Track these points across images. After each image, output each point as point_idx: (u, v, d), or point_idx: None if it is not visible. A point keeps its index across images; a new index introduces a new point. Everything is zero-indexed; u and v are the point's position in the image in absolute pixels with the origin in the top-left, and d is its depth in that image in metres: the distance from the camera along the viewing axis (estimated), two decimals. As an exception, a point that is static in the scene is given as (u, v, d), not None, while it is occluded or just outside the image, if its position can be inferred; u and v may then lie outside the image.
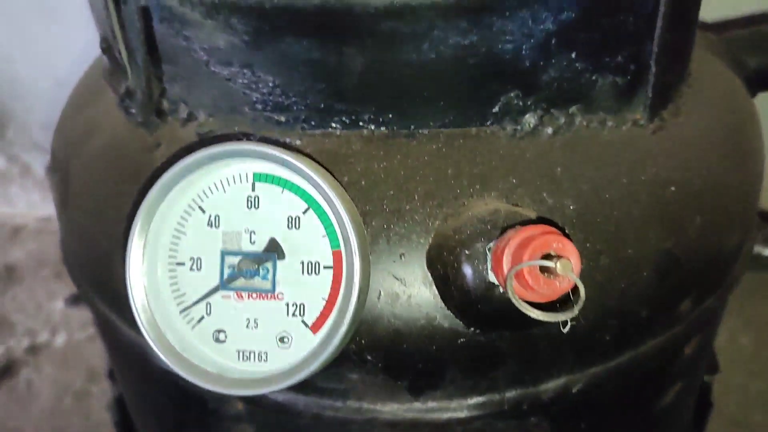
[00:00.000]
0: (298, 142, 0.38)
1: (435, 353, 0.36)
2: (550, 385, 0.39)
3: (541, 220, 0.34)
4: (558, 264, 0.28)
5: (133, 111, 0.43)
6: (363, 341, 0.36)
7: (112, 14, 0.39)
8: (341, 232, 0.32)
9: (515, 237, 0.29)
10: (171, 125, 0.41)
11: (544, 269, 0.28)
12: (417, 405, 0.39)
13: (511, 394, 0.38)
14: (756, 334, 1.03)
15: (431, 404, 0.39)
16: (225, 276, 0.33)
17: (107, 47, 0.43)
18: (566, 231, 0.35)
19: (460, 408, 0.39)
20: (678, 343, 0.43)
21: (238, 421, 0.42)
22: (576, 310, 0.29)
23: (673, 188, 0.40)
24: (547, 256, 0.28)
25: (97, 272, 0.43)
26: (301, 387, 0.38)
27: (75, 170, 0.45)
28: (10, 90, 1.16)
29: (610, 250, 0.37)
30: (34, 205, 1.31)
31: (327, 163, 0.37)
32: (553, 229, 0.29)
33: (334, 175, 0.34)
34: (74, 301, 1.14)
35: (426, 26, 0.34)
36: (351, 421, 0.38)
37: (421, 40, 0.34)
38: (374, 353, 0.36)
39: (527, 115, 0.38)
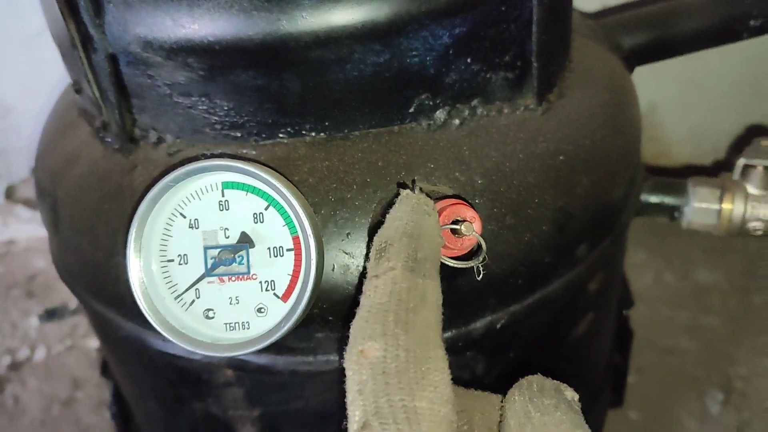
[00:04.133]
0: (253, 152, 0.46)
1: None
2: (479, 324, 0.48)
3: (454, 195, 0.42)
4: (462, 226, 0.37)
5: (109, 140, 0.50)
6: (325, 306, 0.44)
7: (84, 62, 0.46)
8: (297, 222, 0.41)
9: (431, 210, 0.38)
10: (144, 149, 0.49)
11: (455, 231, 0.37)
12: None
13: (447, 334, 0.47)
14: (678, 271, 1.14)
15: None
16: (209, 266, 0.41)
17: (79, 89, 0.51)
18: (470, 200, 0.44)
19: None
20: (581, 281, 0.53)
21: (228, 386, 0.50)
22: (482, 257, 0.38)
23: (561, 157, 0.49)
24: (457, 221, 0.37)
25: (93, 278, 0.51)
26: (279, 349, 0.47)
27: (62, 196, 0.53)
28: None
29: (514, 212, 0.46)
30: (-5, 230, 1.35)
31: (278, 167, 0.45)
32: (458, 200, 0.38)
33: (287, 177, 0.43)
34: (48, 316, 1.19)
35: (347, 51, 0.43)
36: (322, 372, 0.47)
37: (345, 62, 0.43)
38: (335, 314, 0.45)
39: (437, 112, 0.47)
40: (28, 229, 1.36)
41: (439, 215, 0.37)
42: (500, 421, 0.35)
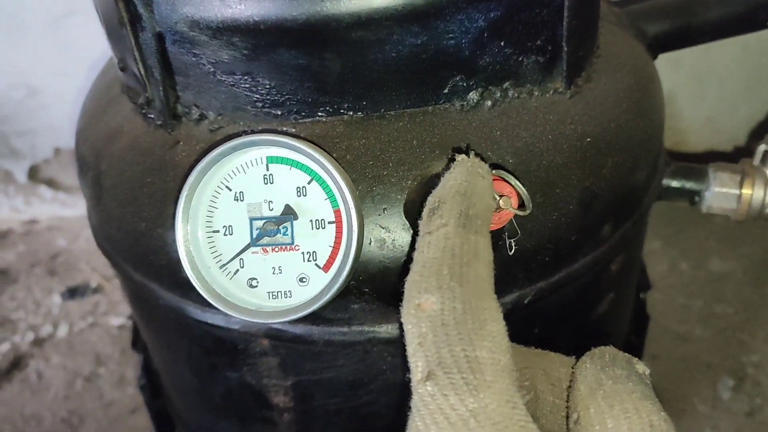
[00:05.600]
0: (293, 130, 0.48)
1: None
2: (507, 299, 0.50)
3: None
4: (500, 201, 0.38)
5: (152, 116, 0.52)
6: (361, 278, 0.46)
7: (131, 40, 0.48)
8: (339, 196, 0.43)
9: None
10: (186, 125, 0.51)
11: (492, 205, 0.39)
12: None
13: (477, 308, 0.49)
14: (693, 260, 1.16)
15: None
16: (254, 236, 0.43)
17: (124, 66, 0.53)
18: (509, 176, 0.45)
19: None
20: (604, 260, 0.55)
21: (264, 355, 0.52)
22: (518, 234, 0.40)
23: (588, 139, 0.51)
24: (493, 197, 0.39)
25: (135, 248, 0.53)
26: (315, 319, 0.48)
27: (105, 169, 0.55)
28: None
29: (543, 191, 0.48)
30: (18, 209, 1.38)
31: (318, 144, 0.47)
32: (496, 177, 0.40)
33: (329, 153, 0.45)
34: (70, 294, 1.21)
35: (386, 32, 0.44)
36: (356, 343, 0.49)
37: (384, 43, 0.45)
38: (370, 286, 0.47)
39: (471, 93, 0.49)
40: (51, 208, 1.38)
41: None
42: (569, 386, 0.36)
